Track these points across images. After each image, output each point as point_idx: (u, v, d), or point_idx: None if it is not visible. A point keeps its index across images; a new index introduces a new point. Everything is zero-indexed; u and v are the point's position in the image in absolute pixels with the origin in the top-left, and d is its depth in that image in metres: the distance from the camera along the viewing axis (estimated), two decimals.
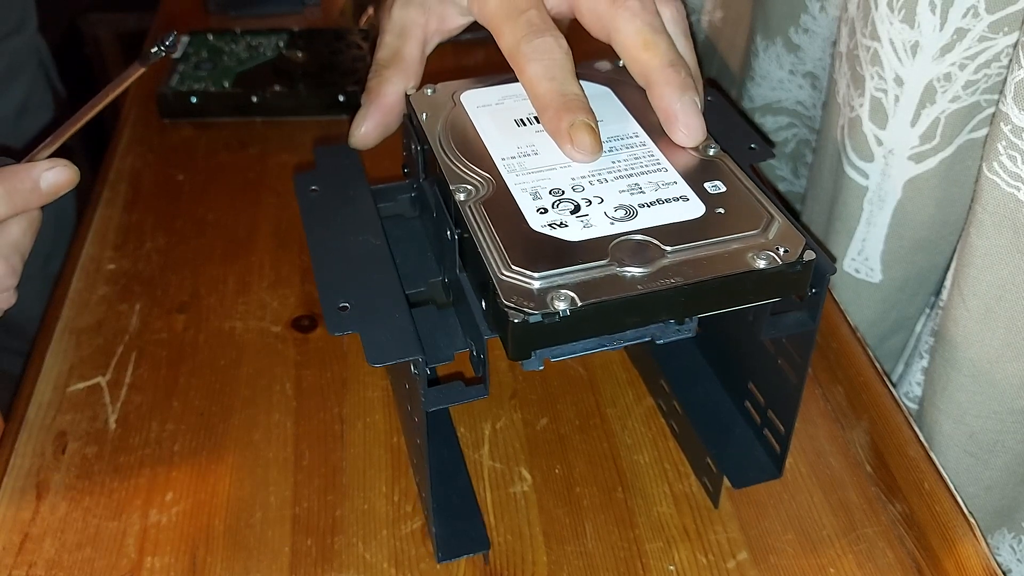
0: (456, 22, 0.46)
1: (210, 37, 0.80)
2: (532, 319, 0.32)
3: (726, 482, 0.46)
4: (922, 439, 0.50)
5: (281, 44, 0.79)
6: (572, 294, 0.33)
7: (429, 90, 0.44)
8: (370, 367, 0.53)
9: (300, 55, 0.77)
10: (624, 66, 0.46)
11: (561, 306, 0.33)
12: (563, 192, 0.38)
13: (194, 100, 0.73)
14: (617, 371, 0.53)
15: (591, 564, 0.44)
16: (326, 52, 0.78)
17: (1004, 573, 0.44)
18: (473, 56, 0.48)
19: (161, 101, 0.73)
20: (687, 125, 0.40)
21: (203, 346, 0.55)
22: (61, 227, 0.88)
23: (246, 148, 0.72)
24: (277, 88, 0.74)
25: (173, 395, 0.52)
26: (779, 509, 0.46)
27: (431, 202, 0.41)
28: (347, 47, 0.79)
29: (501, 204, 0.37)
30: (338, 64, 0.76)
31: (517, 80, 0.44)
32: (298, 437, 0.50)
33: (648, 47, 0.41)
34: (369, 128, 0.45)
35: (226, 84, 0.74)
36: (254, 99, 0.73)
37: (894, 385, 0.56)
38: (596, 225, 0.36)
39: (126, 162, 0.70)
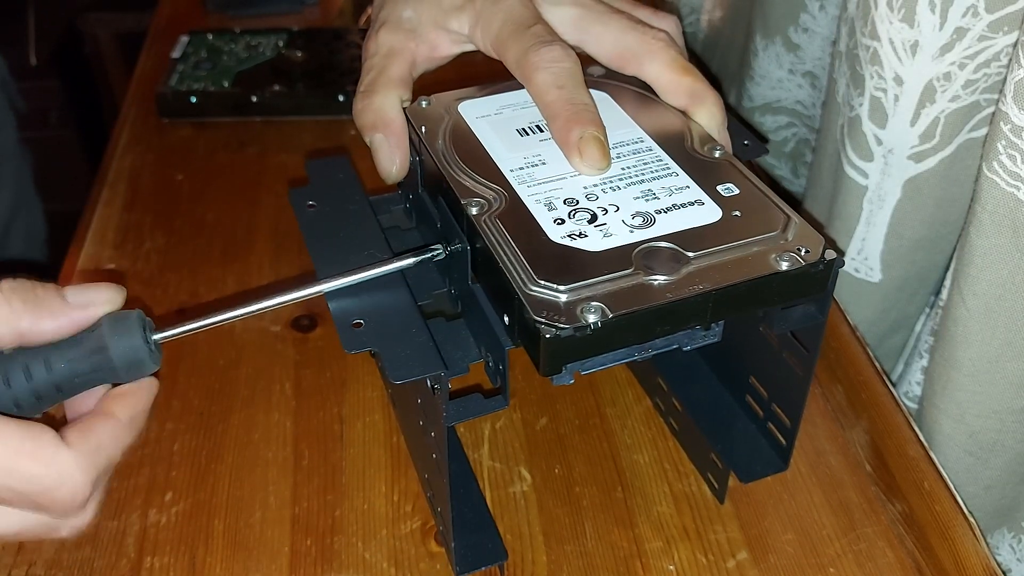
0: (447, 50, 0.46)
1: (209, 37, 0.80)
2: (564, 333, 0.32)
3: (730, 479, 0.46)
4: (922, 439, 0.50)
5: (280, 44, 0.79)
6: (602, 305, 0.33)
7: (424, 102, 0.44)
8: (369, 367, 0.53)
9: (299, 55, 0.77)
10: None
11: (592, 318, 0.32)
12: (577, 201, 0.38)
13: (193, 100, 0.73)
14: (616, 371, 0.53)
15: (591, 564, 0.44)
16: (325, 52, 0.78)
17: (1004, 572, 0.44)
18: (471, 64, 0.48)
19: (160, 101, 0.73)
20: (726, 143, 0.42)
21: (202, 346, 0.55)
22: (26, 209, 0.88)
23: (245, 148, 0.71)
24: (276, 88, 0.74)
25: (172, 395, 0.52)
26: (779, 509, 0.46)
27: (434, 215, 0.41)
28: (346, 47, 0.78)
29: (517, 217, 0.37)
30: (337, 64, 0.76)
31: (513, 89, 0.44)
32: (297, 437, 0.50)
33: (688, 71, 0.43)
34: (401, 159, 0.43)
35: (225, 84, 0.74)
36: (253, 99, 0.73)
37: (894, 385, 0.56)
38: (616, 234, 0.36)
39: (125, 162, 0.70)
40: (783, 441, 0.46)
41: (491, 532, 0.45)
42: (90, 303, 0.35)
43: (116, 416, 0.35)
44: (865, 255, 0.59)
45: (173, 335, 0.36)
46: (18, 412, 0.33)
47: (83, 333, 0.34)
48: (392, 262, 0.39)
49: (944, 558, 0.44)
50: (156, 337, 0.35)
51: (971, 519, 0.46)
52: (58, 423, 0.35)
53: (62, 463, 0.32)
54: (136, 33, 1.28)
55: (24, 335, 0.33)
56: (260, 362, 0.54)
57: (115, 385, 0.36)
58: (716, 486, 0.46)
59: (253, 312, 0.37)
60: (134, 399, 0.36)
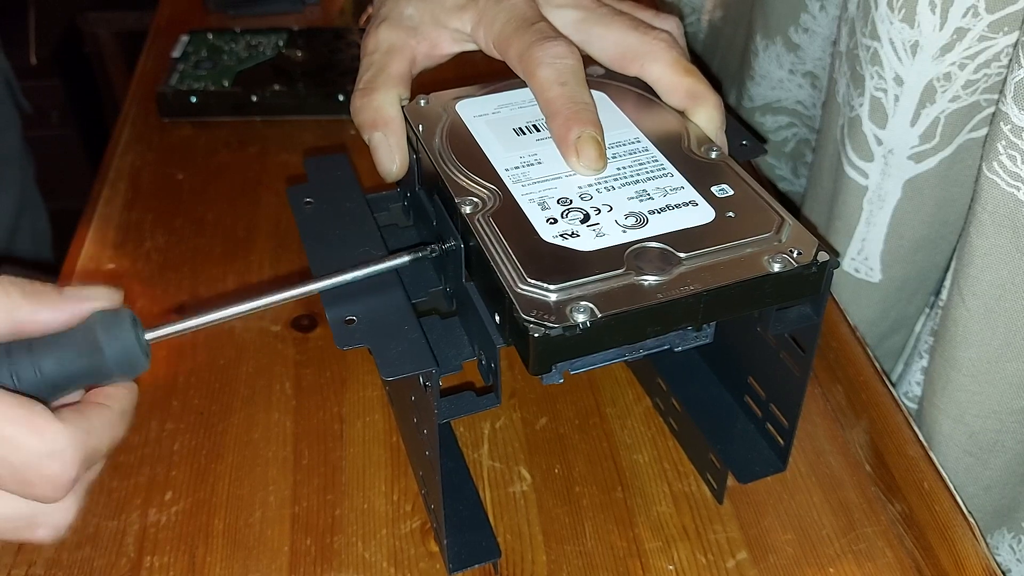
0: (448, 49, 0.46)
1: (210, 36, 0.80)
2: (553, 333, 0.32)
3: (729, 479, 0.46)
4: (922, 439, 0.50)
5: (281, 43, 0.79)
6: (591, 305, 0.33)
7: (423, 101, 0.44)
8: (369, 367, 0.53)
9: (300, 54, 0.77)
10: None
11: (581, 318, 0.32)
12: (571, 201, 0.38)
13: (194, 99, 0.73)
14: (616, 370, 0.53)
15: (590, 563, 0.44)
16: (326, 51, 0.78)
17: (1003, 573, 0.44)
18: (471, 63, 0.48)
19: (161, 100, 0.73)
20: (723, 144, 0.42)
21: (202, 345, 0.55)
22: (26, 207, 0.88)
23: (246, 147, 0.71)
24: (277, 87, 0.74)
25: (172, 394, 0.52)
26: (778, 508, 0.46)
27: (430, 212, 0.41)
28: (347, 46, 0.78)
29: (510, 216, 0.37)
30: (338, 63, 0.76)
31: (512, 88, 0.44)
32: (297, 436, 0.50)
33: (689, 72, 0.43)
34: (401, 158, 0.43)
35: (226, 83, 0.74)
36: (254, 98, 0.73)
37: (894, 385, 0.56)
38: (608, 234, 0.36)
39: (126, 161, 0.70)
40: (781, 441, 0.46)
41: (485, 530, 0.45)
42: (86, 297, 0.35)
43: (108, 406, 0.35)
44: (865, 255, 0.59)
45: (164, 335, 0.36)
46: None
47: (75, 332, 0.34)
48: (387, 260, 0.39)
49: (944, 558, 0.44)
50: (148, 336, 0.35)
51: (971, 519, 0.46)
52: None
53: (55, 435, 0.32)
54: (137, 32, 1.29)
55: (21, 326, 0.33)
56: (260, 361, 0.54)
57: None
58: (715, 486, 0.46)
59: (245, 312, 0.37)
60: (122, 394, 0.35)
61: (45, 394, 0.34)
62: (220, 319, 0.37)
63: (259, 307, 0.37)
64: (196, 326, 0.36)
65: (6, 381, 0.33)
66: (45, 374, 0.33)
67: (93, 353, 0.34)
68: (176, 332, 0.36)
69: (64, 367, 0.33)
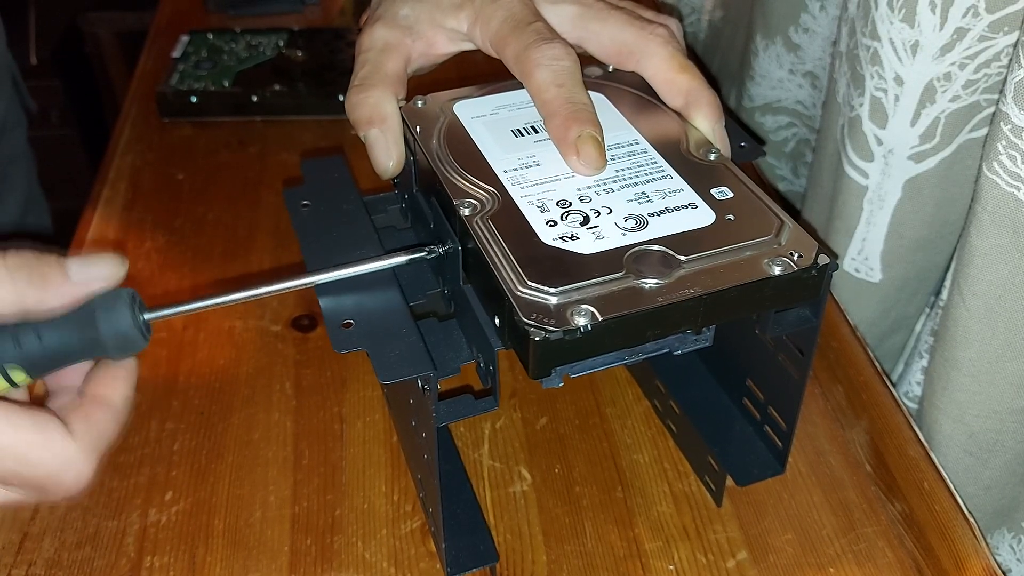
0: (444, 49, 0.45)
1: (210, 36, 0.80)
2: (553, 336, 0.32)
3: (728, 480, 0.46)
4: (922, 439, 0.50)
5: (281, 43, 0.79)
6: (592, 309, 0.32)
7: (420, 102, 0.43)
8: (369, 366, 0.53)
9: (300, 54, 0.77)
10: (614, 71, 0.46)
11: (582, 321, 0.32)
12: (570, 203, 0.37)
13: (194, 99, 0.73)
14: (616, 370, 0.53)
15: (591, 563, 0.44)
16: (326, 51, 0.78)
17: (1004, 573, 0.44)
18: (472, 64, 0.48)
19: (161, 100, 0.73)
20: (724, 147, 0.42)
21: (203, 345, 0.55)
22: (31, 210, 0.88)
23: (246, 147, 0.72)
24: (277, 87, 0.74)
25: (173, 394, 0.52)
26: (779, 508, 0.46)
27: (428, 214, 0.41)
28: (347, 46, 0.78)
29: (509, 218, 0.37)
30: (338, 63, 0.76)
31: (509, 89, 0.44)
32: (297, 436, 0.50)
33: (685, 68, 0.42)
34: (397, 155, 0.43)
35: (226, 83, 0.74)
36: (254, 98, 0.73)
37: (894, 385, 0.56)
38: (608, 236, 0.36)
39: (126, 161, 0.70)
40: (780, 444, 0.46)
41: (483, 534, 0.44)
42: (91, 279, 0.35)
43: (113, 402, 0.36)
44: (865, 255, 0.59)
45: (163, 316, 0.37)
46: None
47: (77, 310, 0.35)
48: (383, 259, 0.39)
49: (944, 558, 0.44)
50: (146, 317, 0.36)
51: (971, 519, 0.46)
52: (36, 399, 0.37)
53: (69, 453, 0.34)
54: (137, 32, 1.28)
55: (28, 311, 0.34)
56: (260, 361, 0.54)
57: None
58: (713, 489, 0.46)
59: (243, 299, 0.37)
60: (123, 383, 0.37)
61: (46, 365, 0.35)
62: (218, 304, 0.37)
63: (256, 296, 0.38)
64: (194, 309, 0.37)
65: (10, 351, 0.34)
66: (46, 348, 0.34)
67: (92, 333, 0.35)
68: (174, 314, 0.37)
69: (64, 344, 0.35)
